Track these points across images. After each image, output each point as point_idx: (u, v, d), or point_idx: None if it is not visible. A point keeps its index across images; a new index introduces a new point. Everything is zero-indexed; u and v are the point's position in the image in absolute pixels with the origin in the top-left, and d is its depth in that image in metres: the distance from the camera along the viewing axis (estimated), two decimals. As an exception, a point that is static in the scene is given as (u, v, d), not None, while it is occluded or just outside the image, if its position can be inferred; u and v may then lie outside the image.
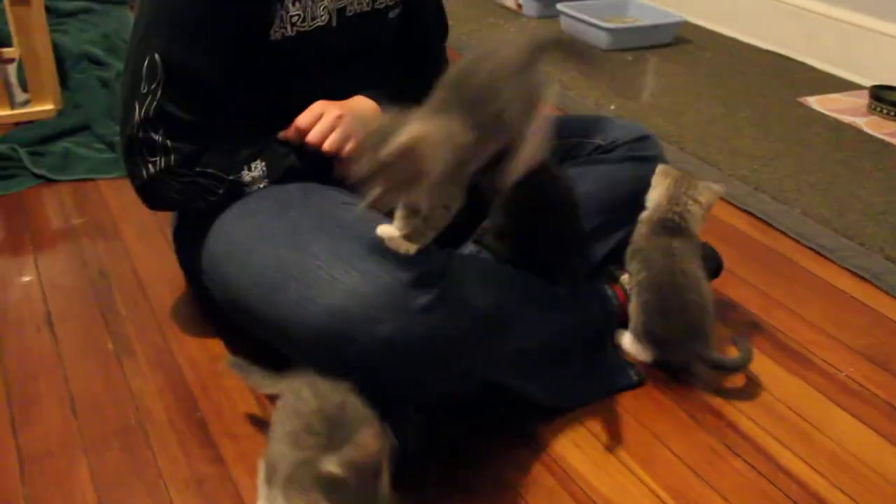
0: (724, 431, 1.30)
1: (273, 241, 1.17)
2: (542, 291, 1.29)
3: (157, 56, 1.21)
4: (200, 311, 1.52)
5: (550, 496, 1.18)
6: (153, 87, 1.22)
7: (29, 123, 2.27)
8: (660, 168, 1.43)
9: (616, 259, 1.45)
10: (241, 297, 1.19)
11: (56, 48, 2.33)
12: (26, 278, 1.64)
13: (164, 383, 1.36)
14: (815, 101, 2.63)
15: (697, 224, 1.40)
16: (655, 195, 1.41)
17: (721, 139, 2.35)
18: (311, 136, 1.31)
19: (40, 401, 1.33)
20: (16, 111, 2.31)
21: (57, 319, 1.52)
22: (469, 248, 1.38)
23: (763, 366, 1.45)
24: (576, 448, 1.26)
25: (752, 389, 1.39)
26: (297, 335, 1.08)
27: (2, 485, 1.17)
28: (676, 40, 3.17)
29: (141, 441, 1.24)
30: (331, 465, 0.87)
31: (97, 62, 2.55)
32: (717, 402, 1.36)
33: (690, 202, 1.39)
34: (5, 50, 2.30)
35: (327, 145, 1.31)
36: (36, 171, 2.02)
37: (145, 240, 1.77)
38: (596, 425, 1.30)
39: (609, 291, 1.43)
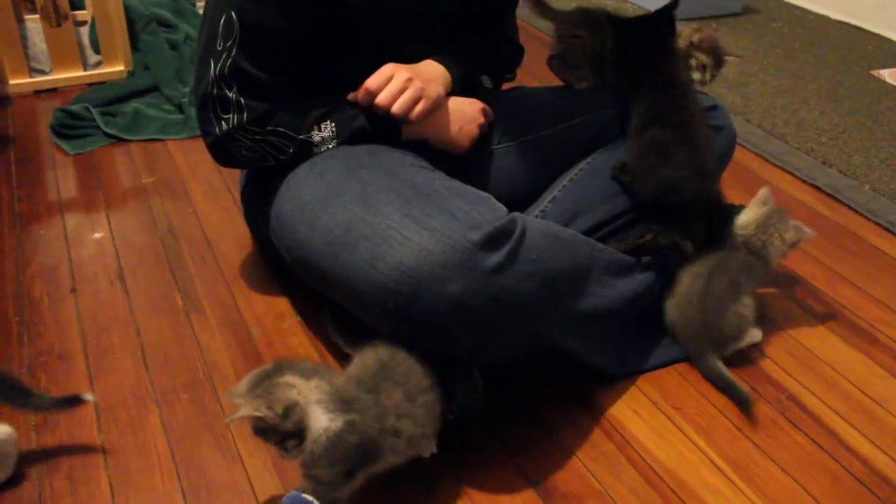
0: (785, 405, 1.29)
1: (342, 201, 1.19)
2: (608, 257, 1.29)
3: (233, 14, 1.23)
4: (267, 270, 1.55)
5: (608, 460, 1.19)
6: (228, 44, 1.25)
7: (100, 84, 2.32)
8: (761, 193, 1.46)
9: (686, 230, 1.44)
10: (309, 256, 1.21)
11: (126, 10, 2.37)
12: (99, 234, 1.69)
13: (231, 339, 1.40)
14: (888, 74, 2.56)
15: (776, 256, 1.44)
16: (747, 217, 1.45)
17: (788, 111, 2.30)
18: (381, 98, 1.32)
19: (114, 353, 1.37)
20: (88, 72, 2.37)
21: (128, 275, 1.56)
22: (537, 213, 1.38)
23: (827, 342, 1.43)
24: (635, 415, 1.26)
25: (815, 365, 1.38)
26: (366, 293, 1.09)
27: (80, 432, 1.22)
28: (745, 10, 3.10)
29: (209, 394, 1.28)
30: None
31: (166, 25, 2.59)
32: (779, 375, 1.35)
33: (776, 235, 1.42)
34: (78, 12, 2.35)
35: (396, 107, 1.32)
36: (107, 130, 2.07)
37: (213, 199, 1.81)
38: (656, 393, 1.30)
39: (674, 262, 1.43)
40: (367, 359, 1.10)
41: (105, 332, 1.42)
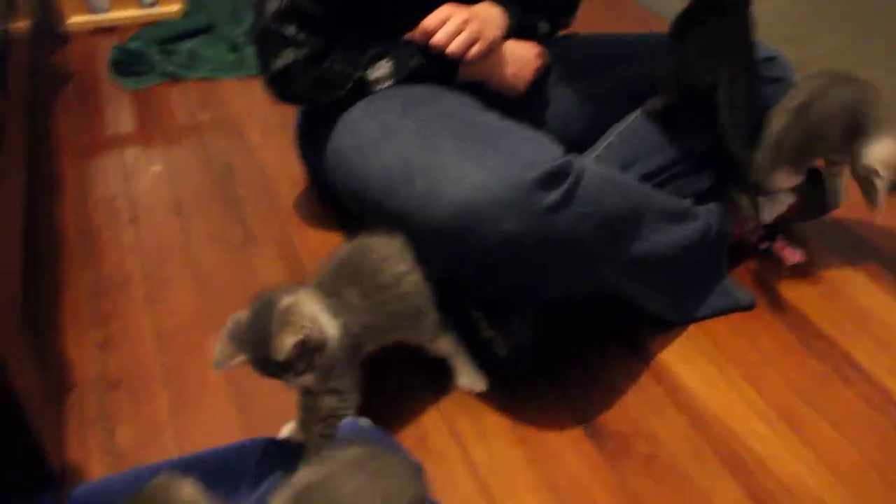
0: (836, 361, 1.29)
1: (399, 138, 1.19)
2: (665, 203, 1.29)
3: None
4: (320, 206, 1.57)
5: (657, 404, 1.19)
6: None
7: (156, 23, 2.34)
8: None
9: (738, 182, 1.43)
10: (365, 192, 1.22)
11: (184, -50, 2.39)
12: (156, 168, 1.72)
13: (287, 273, 1.42)
14: (955, 35, 2.49)
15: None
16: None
17: (850, 69, 2.25)
18: (437, 38, 1.32)
19: (172, 282, 1.41)
20: (145, 11, 2.39)
21: (185, 208, 1.59)
22: (593, 153, 1.38)
23: (881, 300, 1.42)
24: (684, 362, 1.27)
25: (869, 325, 1.36)
26: (421, 229, 1.10)
27: (141, 355, 1.26)
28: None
29: (265, 323, 1.31)
30: None
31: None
32: (832, 331, 1.34)
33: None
34: (136, -50, 2.37)
35: (453, 48, 1.32)
36: (165, 68, 2.10)
37: (267, 138, 1.83)
38: (706, 342, 1.31)
39: (728, 213, 1.42)
40: (324, 264, 1.11)
41: (163, 262, 1.45)
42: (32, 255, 1.43)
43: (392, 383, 1.20)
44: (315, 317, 0.98)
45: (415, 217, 1.11)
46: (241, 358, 0.97)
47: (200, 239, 1.51)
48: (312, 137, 1.45)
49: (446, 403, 1.17)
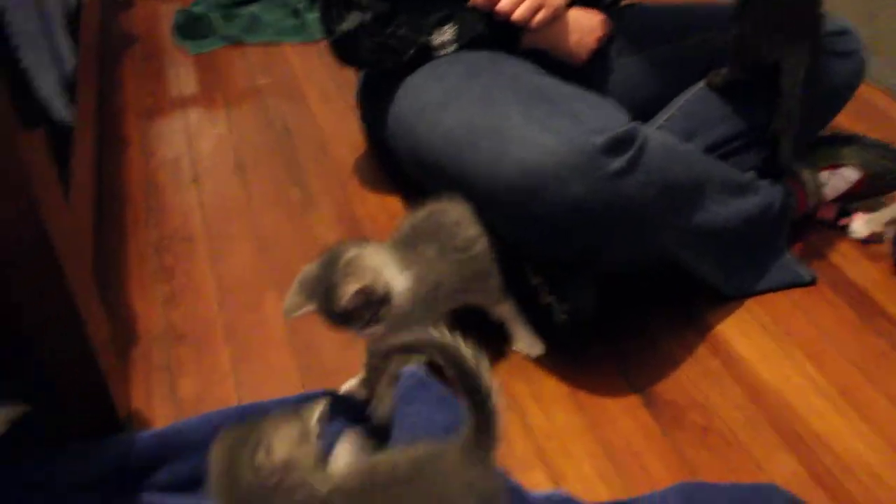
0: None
1: (464, 102, 1.20)
2: (727, 175, 1.28)
3: None
4: (379, 171, 1.58)
5: (713, 377, 1.19)
6: None
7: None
8: None
9: (804, 157, 1.41)
10: (428, 156, 1.23)
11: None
12: (218, 130, 1.75)
13: (346, 234, 1.44)
14: None
15: None
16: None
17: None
18: (503, 5, 1.32)
19: (233, 239, 1.43)
20: (207, -25, 2.41)
21: (247, 169, 1.62)
22: (655, 124, 1.37)
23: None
24: (742, 335, 1.26)
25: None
26: (486, 193, 1.11)
27: (204, 309, 1.29)
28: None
29: (325, 284, 1.33)
30: None
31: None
32: (894, 310, 1.32)
33: None
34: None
35: (518, 14, 1.32)
36: (226, 32, 2.12)
37: (327, 103, 1.84)
38: (765, 316, 1.29)
39: (790, 189, 1.40)
40: (400, 225, 1.12)
41: (225, 220, 1.48)
42: (99, 212, 1.47)
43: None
44: (380, 269, 0.99)
45: (480, 180, 1.12)
46: (310, 307, 0.99)
47: (261, 199, 1.53)
48: (373, 102, 1.46)
49: (503, 368, 1.18)
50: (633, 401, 1.15)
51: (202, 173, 1.61)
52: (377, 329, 1.00)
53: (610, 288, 1.25)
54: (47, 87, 0.90)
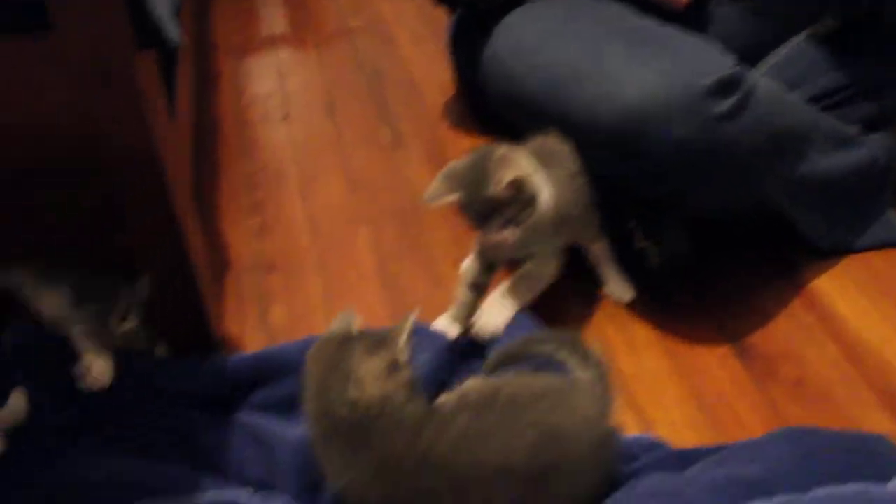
0: None
1: (565, 42, 1.17)
2: (832, 126, 1.23)
3: None
4: (469, 113, 1.57)
5: (808, 331, 1.16)
6: None
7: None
8: None
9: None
10: (526, 96, 1.21)
11: None
12: (309, 70, 1.76)
13: (436, 174, 1.43)
14: None
15: None
16: None
17: None
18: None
19: (323, 176, 1.45)
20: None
21: (337, 108, 1.63)
22: (757, 73, 1.33)
23: None
24: (840, 292, 1.22)
25: None
26: (587, 133, 1.09)
27: (294, 241, 1.31)
28: None
29: (415, 224, 1.33)
30: None
31: None
32: None
33: None
34: None
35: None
36: (317, -27, 2.12)
37: (417, 45, 1.83)
38: (863, 273, 1.25)
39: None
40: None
41: (315, 157, 1.49)
42: (194, 145, 1.49)
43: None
44: (532, 171, 1.00)
45: (582, 120, 1.10)
46: (453, 197, 0.98)
47: (351, 139, 1.54)
48: (466, 44, 1.45)
49: (594, 312, 1.17)
50: (724, 351, 1.13)
51: (293, 111, 1.62)
52: (511, 234, 0.99)
53: (706, 236, 1.23)
54: (161, 8, 0.92)
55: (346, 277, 1.24)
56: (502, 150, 1.00)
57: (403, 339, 0.80)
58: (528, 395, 0.78)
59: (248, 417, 1.00)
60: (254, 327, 1.17)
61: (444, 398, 0.84)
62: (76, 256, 1.01)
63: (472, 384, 0.85)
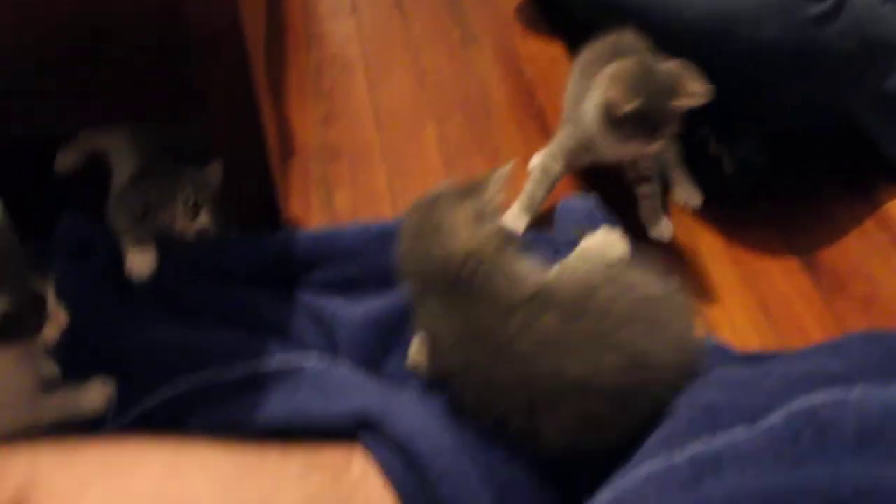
0: None
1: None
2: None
3: None
4: (543, 14, 1.53)
5: (881, 250, 1.13)
6: None
7: None
8: None
9: None
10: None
11: None
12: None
13: (505, 74, 1.41)
14: None
15: None
16: None
17: None
18: None
19: (392, 69, 1.43)
20: None
21: (406, 4, 1.59)
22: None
23: None
24: (916, 215, 1.19)
25: None
26: (670, 31, 1.06)
27: (361, 130, 1.30)
28: None
29: (482, 119, 1.32)
30: None
31: None
32: None
33: None
34: None
35: None
36: None
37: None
38: (944, 200, 1.22)
39: None
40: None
41: (383, 51, 1.47)
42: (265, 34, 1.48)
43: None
44: None
45: (668, 18, 1.06)
46: (633, 105, 0.94)
47: (420, 34, 1.51)
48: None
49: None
50: (792, 264, 1.11)
51: (361, 4, 1.59)
52: (658, 145, 0.98)
53: (781, 147, 1.20)
54: None
55: (411, 169, 1.23)
56: (671, 62, 0.97)
57: (495, 186, 0.77)
58: (623, 310, 0.71)
59: (309, 297, 1.00)
60: (318, 212, 1.18)
61: (556, 270, 0.78)
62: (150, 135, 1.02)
63: (569, 276, 0.77)
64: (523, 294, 0.73)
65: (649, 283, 0.76)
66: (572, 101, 1.06)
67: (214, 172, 1.00)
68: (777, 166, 1.21)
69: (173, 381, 0.80)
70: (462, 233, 0.75)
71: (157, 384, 0.79)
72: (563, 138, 1.05)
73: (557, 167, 1.05)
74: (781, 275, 1.09)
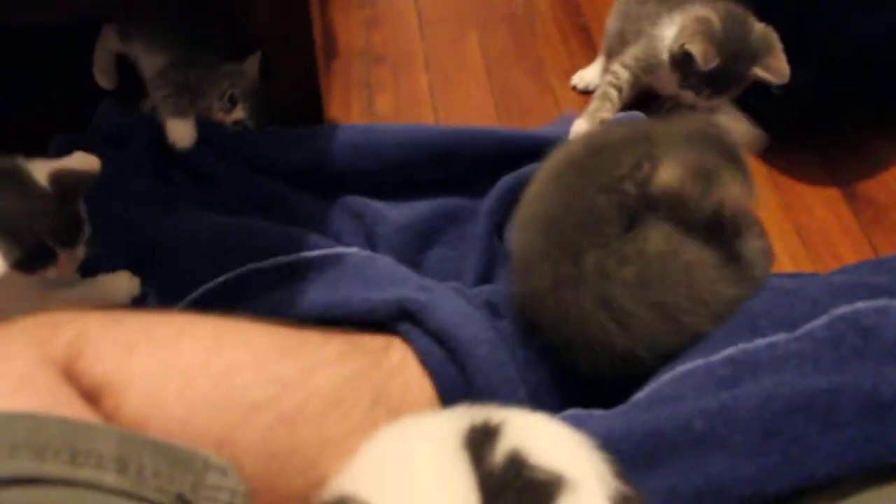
0: None
1: None
2: None
3: None
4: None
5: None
6: None
7: None
8: None
9: None
10: None
11: None
12: None
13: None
14: None
15: None
16: None
17: None
18: None
19: (435, -22, 1.41)
20: None
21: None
22: None
23: None
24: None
25: None
26: None
27: (404, 37, 1.29)
28: None
29: (526, 31, 1.30)
30: None
31: None
32: None
33: None
34: None
35: None
36: None
37: None
38: None
39: None
40: None
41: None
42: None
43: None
44: None
45: None
46: (715, 62, 0.96)
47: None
48: None
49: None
50: (832, 193, 1.10)
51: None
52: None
53: (828, 77, 1.18)
54: None
55: (453, 76, 1.22)
56: (761, 26, 0.98)
57: None
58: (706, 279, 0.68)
59: (350, 197, 0.99)
60: (359, 115, 1.18)
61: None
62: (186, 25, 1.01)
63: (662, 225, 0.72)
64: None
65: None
66: (644, 20, 1.05)
67: (252, 66, 0.99)
68: (825, 94, 1.18)
69: (215, 272, 0.80)
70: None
71: (198, 275, 0.79)
72: (635, 50, 1.05)
73: (625, 76, 1.04)
74: (821, 203, 1.08)
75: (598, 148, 0.75)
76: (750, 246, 0.74)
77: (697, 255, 0.68)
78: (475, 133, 1.00)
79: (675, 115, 1.04)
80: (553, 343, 0.70)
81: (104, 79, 1.06)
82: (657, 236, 0.69)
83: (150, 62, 1.01)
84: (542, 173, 0.77)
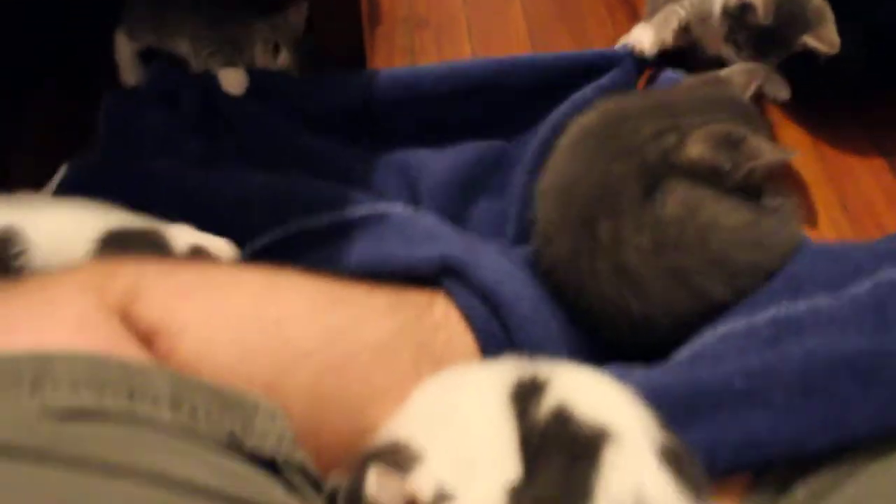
0: None
1: None
2: None
3: None
4: None
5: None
6: None
7: None
8: None
9: None
10: None
11: None
12: None
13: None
14: None
15: None
16: None
17: None
18: None
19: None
20: None
21: None
22: None
23: None
24: None
25: None
26: None
27: (449, 4, 1.29)
28: None
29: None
30: None
31: None
32: None
33: None
34: None
35: None
36: None
37: None
38: None
39: None
40: None
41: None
42: None
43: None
44: None
45: None
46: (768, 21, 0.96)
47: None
48: None
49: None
50: (879, 164, 1.09)
51: None
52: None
53: (877, 49, 1.16)
54: None
55: (496, 40, 1.22)
56: None
57: None
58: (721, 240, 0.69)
59: (393, 150, 0.99)
60: (402, 79, 1.18)
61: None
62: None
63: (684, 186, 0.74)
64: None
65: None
66: None
67: (297, 15, 1.00)
68: (874, 66, 1.17)
69: (261, 231, 0.82)
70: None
71: (245, 233, 0.80)
72: None
73: (682, 14, 1.04)
74: (866, 173, 1.07)
75: (615, 118, 0.77)
76: (773, 214, 0.74)
77: (713, 218, 0.69)
78: (515, 62, 1.00)
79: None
80: (576, 309, 0.72)
81: (132, 77, 1.08)
82: (674, 200, 0.70)
83: (177, 44, 1.03)
84: (561, 144, 0.79)
